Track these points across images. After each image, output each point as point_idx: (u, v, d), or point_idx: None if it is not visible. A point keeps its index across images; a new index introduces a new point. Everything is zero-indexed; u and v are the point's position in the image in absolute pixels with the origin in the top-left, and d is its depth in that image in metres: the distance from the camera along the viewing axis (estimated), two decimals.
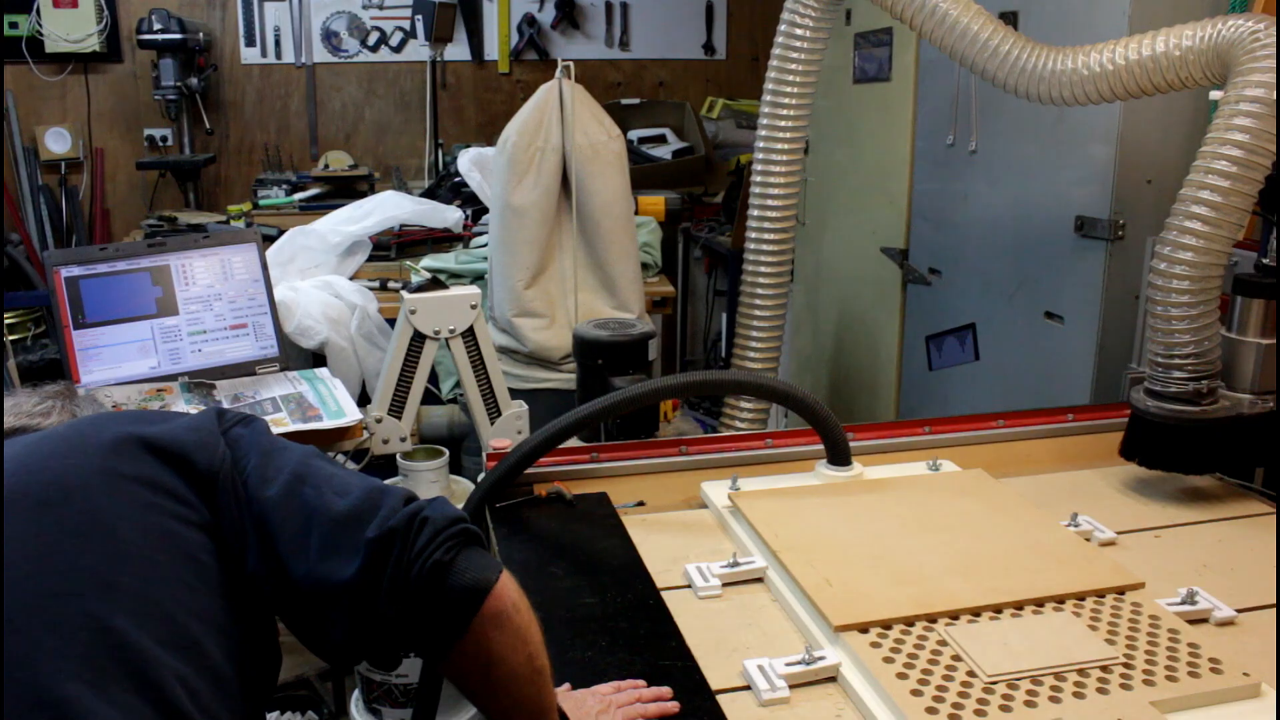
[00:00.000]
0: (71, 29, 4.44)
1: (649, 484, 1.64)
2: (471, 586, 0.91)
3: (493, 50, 5.02)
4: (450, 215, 3.21)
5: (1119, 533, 1.46)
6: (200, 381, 2.06)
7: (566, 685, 1.10)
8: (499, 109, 4.94)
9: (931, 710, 1.02)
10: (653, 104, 4.95)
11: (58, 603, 0.80)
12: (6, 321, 3.50)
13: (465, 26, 4.87)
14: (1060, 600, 1.22)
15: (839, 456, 1.58)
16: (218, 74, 4.76)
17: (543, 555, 1.40)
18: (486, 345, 2.14)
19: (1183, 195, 1.51)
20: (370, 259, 3.07)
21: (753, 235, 2.51)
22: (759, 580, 1.33)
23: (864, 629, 1.16)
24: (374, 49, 4.90)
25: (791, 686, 1.10)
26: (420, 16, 4.24)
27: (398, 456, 2.17)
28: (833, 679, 1.12)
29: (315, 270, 2.87)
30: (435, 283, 2.16)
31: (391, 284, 2.95)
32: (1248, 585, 1.32)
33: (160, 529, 0.89)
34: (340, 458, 1.99)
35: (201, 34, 4.55)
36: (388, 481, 1.47)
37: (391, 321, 2.29)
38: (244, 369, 2.16)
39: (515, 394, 2.29)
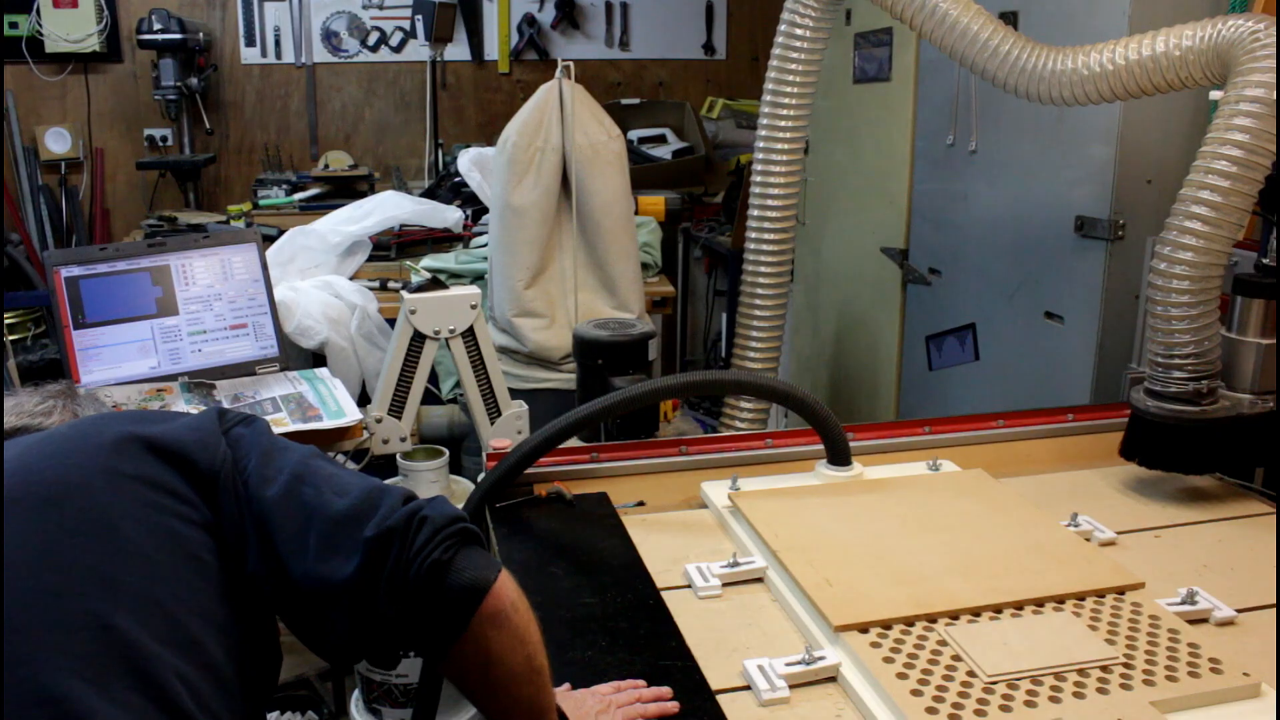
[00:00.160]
0: (71, 29, 4.44)
1: (649, 484, 1.64)
2: (470, 586, 0.91)
3: (493, 50, 5.02)
4: (450, 215, 3.21)
5: (1119, 533, 1.46)
6: (200, 381, 2.06)
7: (566, 685, 1.10)
8: (499, 109, 4.94)
9: (931, 710, 1.02)
10: (653, 104, 4.95)
11: (59, 601, 0.80)
12: (6, 321, 3.50)
13: (465, 26, 4.87)
14: (1060, 600, 1.22)
15: (839, 456, 1.58)
16: (218, 74, 4.76)
17: (543, 555, 1.40)
18: (486, 345, 2.14)
19: (1183, 195, 1.51)
20: (370, 259, 3.07)
21: (753, 235, 2.51)
22: (759, 580, 1.33)
23: (864, 629, 1.16)
24: (374, 49, 4.90)
25: (791, 686, 1.10)
26: (420, 16, 4.24)
27: (398, 456, 2.17)
28: (833, 679, 1.12)
29: (315, 270, 2.87)
30: (435, 283, 2.16)
31: (391, 284, 2.95)
32: (1248, 585, 1.32)
33: (162, 528, 0.89)
34: (340, 458, 1.99)
35: (201, 34, 4.55)
36: (388, 481, 1.47)
37: (391, 321, 2.29)
38: (244, 369, 2.16)
39: (515, 394, 2.30)
